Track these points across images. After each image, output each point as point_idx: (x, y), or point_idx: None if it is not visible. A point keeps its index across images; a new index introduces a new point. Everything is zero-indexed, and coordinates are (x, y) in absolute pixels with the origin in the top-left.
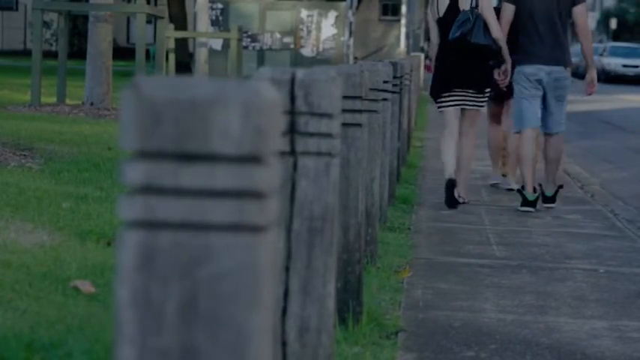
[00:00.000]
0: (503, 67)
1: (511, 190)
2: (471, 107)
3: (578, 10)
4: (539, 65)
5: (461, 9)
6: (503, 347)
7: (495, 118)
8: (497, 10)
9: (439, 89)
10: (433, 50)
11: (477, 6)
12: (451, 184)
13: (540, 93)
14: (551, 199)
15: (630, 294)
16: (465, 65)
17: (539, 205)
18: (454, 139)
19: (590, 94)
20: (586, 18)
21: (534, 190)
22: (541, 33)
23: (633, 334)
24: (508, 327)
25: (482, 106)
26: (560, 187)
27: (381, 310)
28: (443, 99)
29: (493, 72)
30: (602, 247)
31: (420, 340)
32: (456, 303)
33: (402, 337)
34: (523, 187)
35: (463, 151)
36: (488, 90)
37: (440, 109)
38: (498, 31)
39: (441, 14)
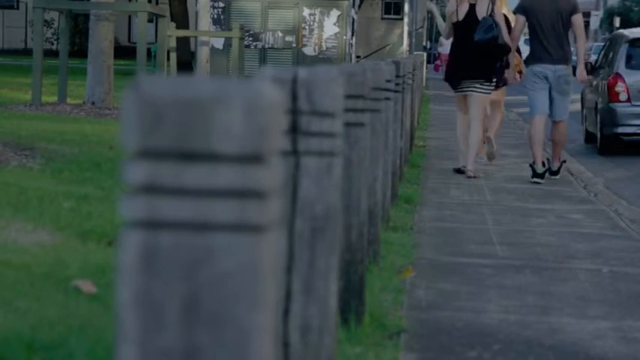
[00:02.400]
0: (512, 67)
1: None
2: (480, 93)
3: (576, 18)
4: (545, 65)
5: (478, 16)
6: (507, 348)
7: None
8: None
9: (456, 78)
10: (443, 45)
11: (491, 14)
12: (458, 171)
13: (547, 87)
14: (556, 172)
15: (634, 294)
16: (479, 60)
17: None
18: (465, 118)
19: (582, 83)
20: (582, 24)
21: (543, 165)
22: (547, 38)
23: (637, 334)
24: (511, 327)
25: (489, 93)
26: (564, 161)
27: (384, 311)
28: (459, 86)
29: (502, 69)
30: (605, 247)
31: (422, 340)
32: (458, 303)
33: (405, 338)
34: (534, 162)
35: (471, 137)
36: (494, 79)
37: (456, 92)
38: (508, 37)
39: (460, 19)
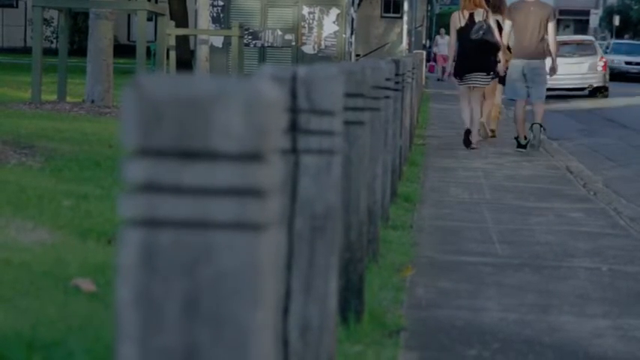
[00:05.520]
0: (502, 62)
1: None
2: (480, 85)
3: (549, 26)
4: (522, 59)
5: (476, 21)
6: (506, 346)
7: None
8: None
9: (461, 72)
10: (451, 50)
11: (486, 19)
12: (468, 132)
13: (523, 77)
14: (539, 124)
15: (633, 292)
16: (477, 56)
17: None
18: (468, 105)
19: (552, 76)
20: (554, 31)
21: (525, 138)
22: (526, 38)
23: (636, 332)
24: (511, 326)
25: (488, 83)
26: (544, 129)
27: (383, 309)
28: (462, 79)
29: (497, 64)
30: (604, 246)
31: (422, 338)
32: (458, 302)
33: (404, 336)
34: (518, 136)
35: (473, 115)
36: (492, 73)
37: (459, 85)
38: (499, 38)
39: (462, 24)
